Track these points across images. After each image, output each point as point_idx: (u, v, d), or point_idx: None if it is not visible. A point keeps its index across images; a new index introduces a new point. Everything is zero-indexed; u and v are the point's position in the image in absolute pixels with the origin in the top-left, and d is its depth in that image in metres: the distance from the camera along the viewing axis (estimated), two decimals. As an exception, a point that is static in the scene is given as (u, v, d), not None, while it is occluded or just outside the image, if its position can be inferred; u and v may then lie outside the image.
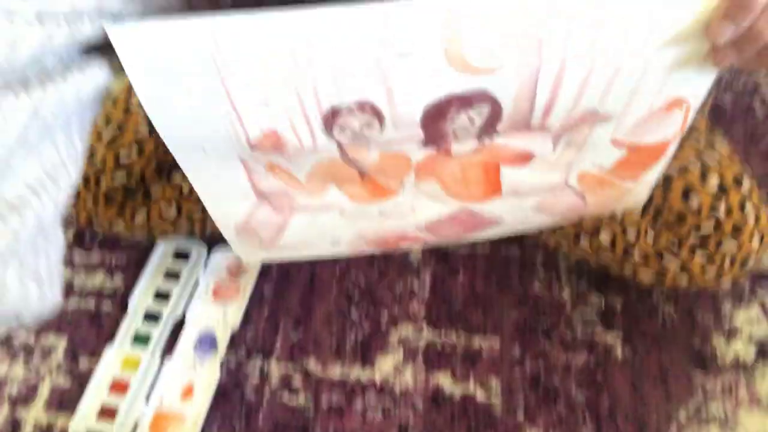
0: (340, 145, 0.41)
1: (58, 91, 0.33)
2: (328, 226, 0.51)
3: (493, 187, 0.47)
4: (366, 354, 0.67)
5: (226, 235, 0.51)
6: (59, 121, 0.34)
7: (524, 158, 0.44)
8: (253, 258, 0.63)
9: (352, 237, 0.53)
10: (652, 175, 0.48)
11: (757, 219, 0.54)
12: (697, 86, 0.40)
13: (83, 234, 0.81)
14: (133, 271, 0.77)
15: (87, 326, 0.73)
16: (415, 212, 0.49)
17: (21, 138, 0.32)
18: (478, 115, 0.39)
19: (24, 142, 0.32)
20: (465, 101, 0.38)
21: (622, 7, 0.34)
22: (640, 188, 0.50)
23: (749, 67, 0.39)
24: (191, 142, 0.40)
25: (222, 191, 0.46)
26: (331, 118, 0.38)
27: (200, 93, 0.36)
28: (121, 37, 0.32)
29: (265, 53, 0.34)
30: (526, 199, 0.49)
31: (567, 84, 0.38)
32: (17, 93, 0.31)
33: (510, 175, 0.46)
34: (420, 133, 0.41)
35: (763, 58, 0.37)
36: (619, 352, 0.66)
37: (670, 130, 0.43)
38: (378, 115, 0.39)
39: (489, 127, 0.41)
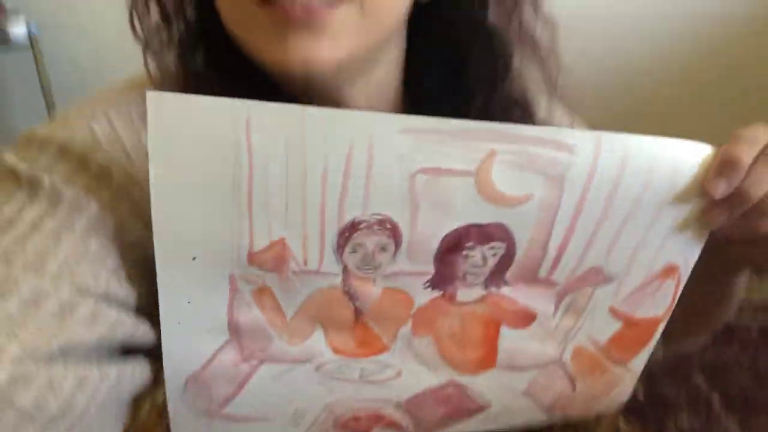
0: (345, 270, 0.39)
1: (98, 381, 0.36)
2: (297, 386, 0.43)
3: (490, 351, 0.44)
4: None
5: (171, 390, 0.41)
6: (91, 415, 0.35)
7: (526, 318, 0.43)
8: None
9: (319, 412, 0.45)
10: (639, 362, 0.48)
11: None
12: (689, 252, 0.42)
13: None
14: None
15: None
16: (400, 379, 0.44)
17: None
18: (493, 255, 0.39)
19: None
20: (484, 234, 0.38)
21: (645, 146, 0.38)
22: (627, 379, 0.49)
23: (739, 232, 0.41)
24: (184, 245, 0.36)
25: (191, 321, 0.39)
26: (347, 234, 0.37)
27: (218, 180, 0.34)
28: (156, 103, 0.32)
29: (296, 146, 0.34)
30: (519, 377, 0.46)
31: (579, 230, 0.39)
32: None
33: (508, 338, 0.44)
34: (431, 270, 0.39)
35: (750, 220, 0.40)
36: None
37: (662, 303, 0.45)
38: (396, 236, 0.38)
39: (499, 273, 0.41)
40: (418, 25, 0.48)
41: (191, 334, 0.39)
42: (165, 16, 0.48)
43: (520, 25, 0.50)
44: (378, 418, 0.46)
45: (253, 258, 0.37)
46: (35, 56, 1.88)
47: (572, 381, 0.47)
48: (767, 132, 0.39)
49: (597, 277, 0.42)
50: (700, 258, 0.43)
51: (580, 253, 0.40)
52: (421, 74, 0.50)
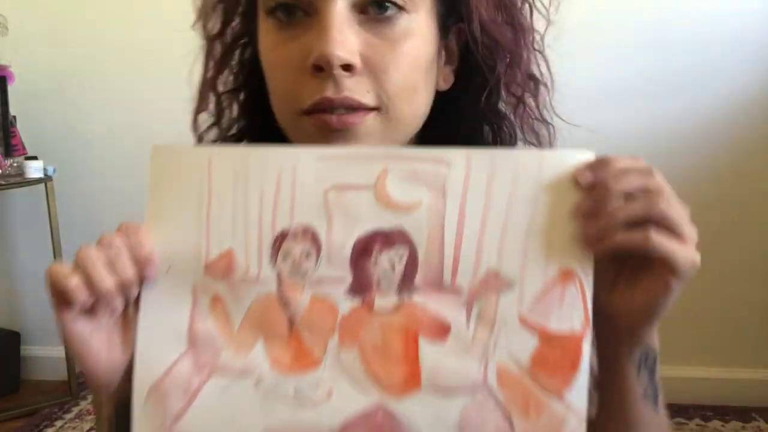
0: (279, 277, 0.46)
1: None
2: (238, 406, 0.47)
3: (412, 366, 0.46)
4: None
5: (136, 403, 0.47)
6: None
7: (441, 329, 0.46)
8: None
9: None
10: (577, 397, 0.45)
11: None
12: (582, 256, 0.44)
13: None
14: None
15: None
16: (332, 400, 0.46)
17: None
18: (399, 259, 0.45)
19: None
20: (387, 239, 0.45)
21: (511, 158, 0.45)
22: (573, 422, 0.45)
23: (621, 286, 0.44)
24: (163, 258, 0.46)
25: (160, 330, 0.47)
26: (278, 242, 0.46)
27: (188, 204, 0.46)
28: (157, 150, 0.47)
29: (242, 175, 0.46)
30: (448, 405, 0.46)
31: (467, 233, 0.45)
32: None
33: (428, 353, 0.46)
34: (349, 275, 0.46)
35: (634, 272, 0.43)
36: None
37: (574, 315, 0.45)
38: (317, 244, 0.46)
39: (408, 279, 0.46)
40: (432, 110, 0.54)
41: (158, 343, 0.47)
42: (219, 111, 0.61)
43: (524, 114, 0.57)
44: None
45: (208, 268, 0.47)
46: (47, 196, 2.00)
47: (507, 415, 0.46)
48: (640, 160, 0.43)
49: (497, 281, 0.45)
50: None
51: (473, 255, 0.45)
52: None
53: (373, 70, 0.49)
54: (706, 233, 1.71)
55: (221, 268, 0.46)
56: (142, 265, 0.45)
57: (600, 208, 0.42)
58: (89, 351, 0.45)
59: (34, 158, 1.96)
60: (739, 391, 1.96)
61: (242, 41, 0.59)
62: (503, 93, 0.56)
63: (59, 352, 2.08)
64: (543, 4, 0.57)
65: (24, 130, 2.04)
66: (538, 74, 0.57)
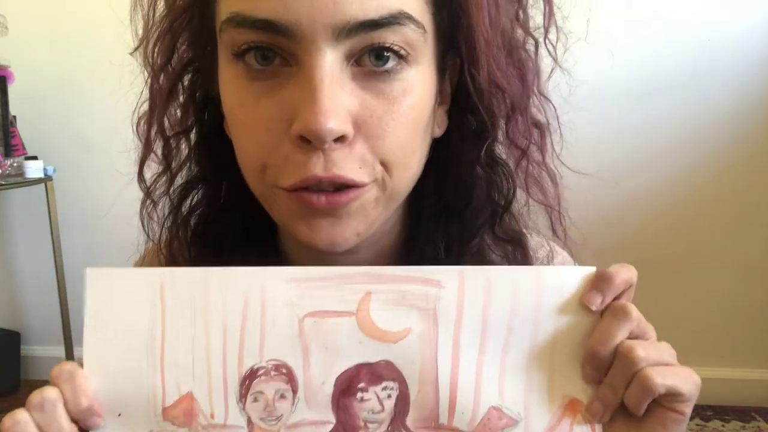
0: (249, 423, 0.40)
1: None
2: None
3: None
4: None
5: None
6: None
7: None
8: None
9: None
10: None
11: None
12: (589, 386, 0.40)
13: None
14: None
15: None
16: None
17: None
18: (388, 396, 0.40)
19: None
20: (374, 373, 0.40)
21: (509, 277, 0.40)
22: None
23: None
24: (111, 403, 0.40)
25: None
26: (248, 382, 0.40)
27: (136, 339, 0.40)
28: (92, 275, 0.40)
29: (201, 304, 0.40)
30: None
31: (464, 364, 0.40)
32: None
33: None
34: (331, 419, 0.40)
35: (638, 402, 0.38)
36: None
37: None
38: (293, 382, 0.40)
39: (398, 420, 0.41)
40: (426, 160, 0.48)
41: None
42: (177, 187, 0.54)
43: (527, 168, 0.50)
44: None
45: (166, 413, 0.40)
46: (47, 196, 2.00)
47: None
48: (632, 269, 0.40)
49: (500, 420, 0.40)
50: None
51: (472, 390, 0.40)
52: (423, 214, 0.50)
53: (368, 135, 0.41)
54: (707, 233, 1.71)
55: (181, 414, 0.40)
56: (83, 418, 0.39)
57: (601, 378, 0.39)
58: None
59: (34, 158, 1.95)
60: (739, 391, 1.96)
61: (191, 68, 0.50)
62: (504, 140, 0.50)
63: (59, 352, 2.09)
64: (551, 41, 0.50)
65: (24, 130, 2.04)
66: (543, 120, 0.51)
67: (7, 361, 2.17)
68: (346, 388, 0.40)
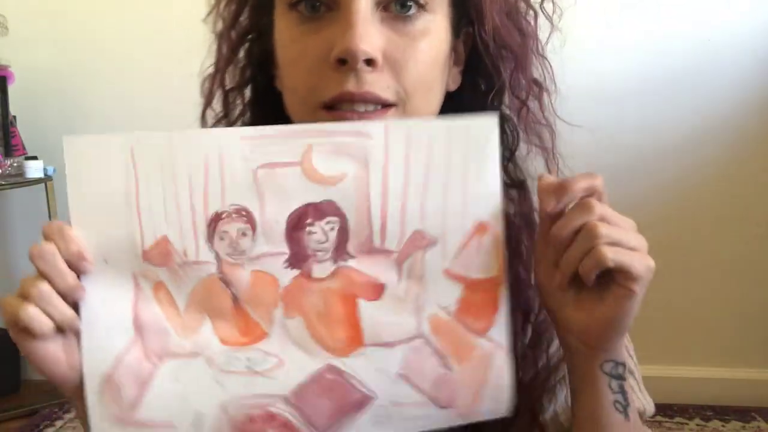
0: (218, 258, 0.47)
1: None
2: (193, 384, 0.48)
3: (354, 326, 0.49)
4: None
5: (90, 397, 0.47)
6: None
7: (376, 288, 0.49)
8: None
9: (216, 414, 0.49)
10: (500, 332, 0.50)
11: None
12: (492, 209, 0.49)
13: None
14: None
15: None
16: (284, 368, 0.49)
17: None
18: (331, 229, 0.48)
19: None
20: (318, 211, 0.48)
21: (425, 128, 0.48)
22: (498, 358, 0.50)
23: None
24: (97, 251, 0.46)
25: (104, 321, 0.47)
26: (213, 224, 0.47)
27: (114, 195, 0.46)
28: (70, 142, 0.46)
29: (168, 162, 0.46)
30: (390, 356, 0.49)
31: (391, 199, 0.48)
32: None
33: (367, 312, 0.49)
34: (285, 248, 0.48)
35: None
36: None
37: (492, 263, 0.49)
38: (251, 222, 0.47)
39: (341, 246, 0.48)
40: (441, 110, 0.56)
41: (105, 334, 0.47)
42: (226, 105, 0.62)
43: (528, 116, 0.58)
44: (270, 418, 0.49)
45: (145, 255, 0.47)
46: (47, 196, 2.00)
47: (444, 359, 0.50)
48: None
49: (422, 240, 0.49)
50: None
51: (399, 218, 0.48)
52: None
53: (394, 65, 0.50)
54: (707, 233, 1.72)
55: (159, 255, 0.47)
56: (75, 263, 0.45)
57: (557, 255, 0.47)
58: (46, 360, 0.45)
59: (34, 158, 1.96)
60: (739, 391, 1.96)
61: (250, 36, 0.60)
62: (508, 96, 0.58)
63: (59, 352, 2.08)
64: (546, 11, 0.59)
65: (24, 130, 2.04)
66: (541, 79, 0.59)
67: (7, 361, 2.17)
68: (296, 224, 0.48)
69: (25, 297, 0.44)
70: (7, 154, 1.97)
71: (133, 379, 0.47)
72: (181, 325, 0.48)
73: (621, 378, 0.50)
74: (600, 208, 0.45)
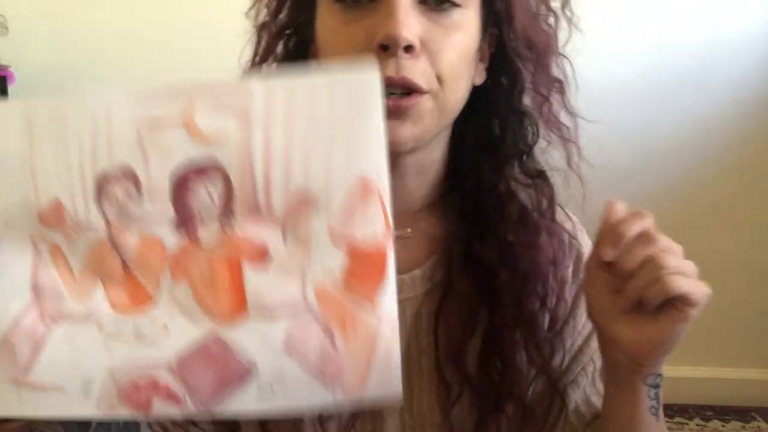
0: (107, 222, 0.48)
1: None
2: (83, 348, 0.49)
3: (238, 292, 0.48)
4: None
5: None
6: None
7: (261, 253, 0.48)
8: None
9: (104, 376, 0.49)
10: (386, 304, 0.48)
11: None
12: (377, 165, 0.47)
13: None
14: None
15: None
16: (168, 334, 0.49)
17: None
18: (215, 189, 0.47)
19: None
20: (201, 170, 0.47)
21: (306, 84, 0.47)
22: (385, 331, 0.48)
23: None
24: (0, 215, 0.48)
25: (3, 284, 0.49)
26: (101, 185, 0.47)
27: (11, 160, 0.47)
28: None
29: (60, 125, 0.47)
30: (274, 328, 0.48)
31: (274, 155, 0.47)
32: None
33: (252, 278, 0.48)
34: (171, 210, 0.47)
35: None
36: None
37: (377, 223, 0.47)
38: (136, 182, 0.47)
39: (226, 208, 0.48)
40: (466, 104, 0.59)
41: (3, 296, 0.48)
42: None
43: (549, 111, 0.62)
44: (155, 386, 0.49)
45: (41, 218, 0.48)
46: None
47: (329, 332, 0.48)
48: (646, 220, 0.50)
49: (306, 200, 0.47)
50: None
51: (282, 177, 0.47)
52: (462, 148, 0.63)
53: (429, 52, 0.53)
54: (707, 233, 1.72)
55: (53, 218, 0.47)
56: None
57: (622, 283, 0.49)
58: None
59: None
60: (739, 391, 1.97)
61: (288, 31, 0.63)
62: (531, 92, 0.61)
63: (59, 352, 2.08)
64: (565, 13, 0.62)
65: (24, 130, 2.03)
66: (562, 77, 0.62)
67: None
68: (180, 184, 0.47)
69: None
70: (7, 154, 1.96)
71: (28, 341, 0.48)
72: (75, 290, 0.49)
73: (659, 387, 0.53)
74: (660, 240, 0.48)
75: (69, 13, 2.09)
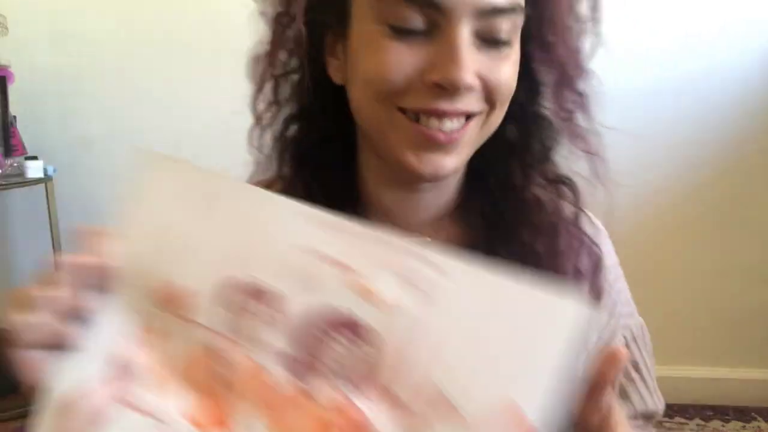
0: (215, 327, 0.42)
1: None
2: None
3: None
4: None
5: (46, 412, 0.44)
6: None
7: (359, 428, 0.41)
8: None
9: None
10: None
11: None
12: (526, 387, 0.40)
13: None
14: None
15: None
16: None
17: None
18: (357, 351, 0.41)
19: None
20: (352, 327, 0.41)
21: (507, 289, 0.40)
22: None
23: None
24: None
25: (89, 348, 0.43)
26: (230, 291, 0.42)
27: (160, 219, 0.44)
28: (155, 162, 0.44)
29: (216, 203, 0.43)
30: None
31: (440, 346, 0.40)
32: None
33: None
34: (292, 349, 0.42)
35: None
36: None
37: None
38: (268, 304, 0.42)
39: (357, 377, 0.41)
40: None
41: (85, 359, 0.43)
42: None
43: (572, 121, 0.60)
44: None
45: (155, 292, 0.43)
46: (47, 196, 2.00)
47: None
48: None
49: (438, 402, 0.40)
50: None
51: (434, 369, 0.40)
52: (485, 157, 0.60)
53: (483, 84, 0.52)
54: (707, 233, 1.71)
55: (164, 299, 0.43)
56: (105, 277, 0.42)
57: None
58: (25, 366, 0.45)
59: (34, 158, 1.95)
60: (739, 391, 1.97)
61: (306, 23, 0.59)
62: (555, 105, 0.60)
63: (59, 352, 2.08)
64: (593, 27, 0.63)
65: (24, 130, 2.04)
66: (587, 90, 0.62)
67: (8, 361, 2.17)
68: (319, 327, 0.41)
69: (31, 304, 0.42)
70: (7, 154, 1.97)
71: (89, 414, 0.43)
72: (154, 380, 0.44)
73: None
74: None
75: (69, 13, 2.09)
